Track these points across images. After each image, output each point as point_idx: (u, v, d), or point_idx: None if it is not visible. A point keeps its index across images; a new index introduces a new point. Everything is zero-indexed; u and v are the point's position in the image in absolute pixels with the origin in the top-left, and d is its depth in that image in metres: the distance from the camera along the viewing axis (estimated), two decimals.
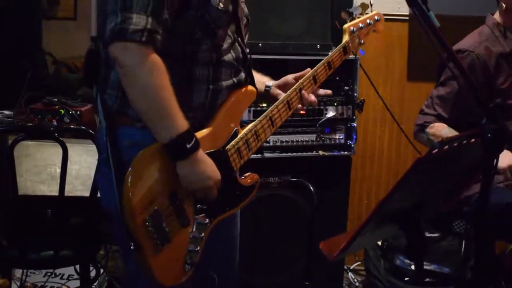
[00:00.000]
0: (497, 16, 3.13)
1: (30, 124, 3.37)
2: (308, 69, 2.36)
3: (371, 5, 2.53)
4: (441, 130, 3.02)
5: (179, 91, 1.96)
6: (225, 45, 2.11)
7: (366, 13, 2.55)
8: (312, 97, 2.34)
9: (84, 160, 3.18)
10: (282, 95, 2.32)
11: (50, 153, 3.17)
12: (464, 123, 2.95)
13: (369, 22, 2.53)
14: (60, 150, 2.85)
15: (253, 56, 3.13)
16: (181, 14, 1.99)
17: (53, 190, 3.07)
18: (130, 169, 1.93)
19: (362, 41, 2.52)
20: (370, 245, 3.65)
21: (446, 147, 1.62)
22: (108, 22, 1.90)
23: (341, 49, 2.44)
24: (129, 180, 1.92)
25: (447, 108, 3.04)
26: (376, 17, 2.56)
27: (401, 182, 1.60)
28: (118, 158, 2.01)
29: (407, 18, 4.13)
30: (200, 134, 2.05)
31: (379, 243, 3.85)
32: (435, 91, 3.13)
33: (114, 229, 2.16)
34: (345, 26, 2.48)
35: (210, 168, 2.03)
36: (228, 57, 2.13)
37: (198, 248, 2.08)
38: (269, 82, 2.40)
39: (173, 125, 1.93)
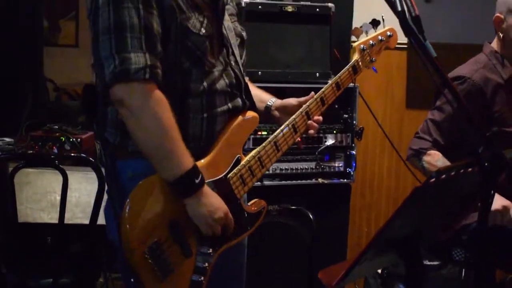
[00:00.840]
0: (494, 44, 3.16)
1: (31, 151, 3.38)
2: (312, 93, 2.28)
3: (383, 20, 2.45)
4: (436, 160, 3.01)
5: (176, 123, 1.95)
6: (216, 72, 2.09)
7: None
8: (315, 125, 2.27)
9: (84, 188, 3.19)
10: (282, 118, 2.27)
11: (50, 180, 3.17)
12: (461, 149, 2.96)
13: (381, 39, 2.44)
14: (60, 178, 2.85)
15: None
16: (166, 46, 1.98)
17: (53, 218, 3.07)
18: (127, 201, 1.92)
19: (374, 59, 2.43)
20: (369, 273, 3.63)
21: (444, 176, 1.63)
22: (105, 66, 1.89)
23: (350, 68, 2.35)
24: (127, 212, 1.91)
25: (443, 134, 3.04)
26: (388, 33, 2.46)
27: (399, 210, 1.61)
28: (120, 190, 2.00)
29: (406, 46, 4.16)
30: (201, 163, 2.04)
31: (379, 271, 3.83)
32: (430, 114, 3.13)
33: (118, 262, 2.13)
34: (355, 44, 2.41)
35: (218, 200, 2.02)
36: (221, 84, 2.10)
37: (202, 278, 2.04)
38: (270, 100, 2.34)
39: (180, 163, 1.93)
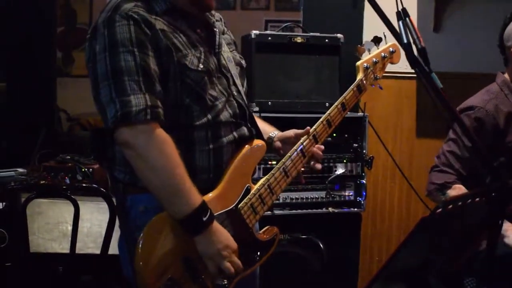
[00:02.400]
0: (507, 74, 3.16)
1: (43, 181, 3.41)
2: (308, 127, 2.28)
3: (385, 37, 2.40)
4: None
5: (182, 157, 1.97)
6: (219, 105, 2.10)
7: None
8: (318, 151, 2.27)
9: (95, 218, 3.20)
10: (282, 149, 2.28)
11: (62, 210, 3.19)
12: (482, 178, 2.92)
13: (384, 56, 2.44)
14: (71, 208, 2.87)
15: (262, 114, 3.19)
16: (166, 85, 2.00)
17: (65, 248, 3.08)
18: (141, 236, 1.93)
19: (378, 76, 2.42)
20: None
21: (451, 206, 1.63)
22: (108, 111, 1.93)
23: (355, 88, 2.35)
24: (140, 249, 1.92)
25: (464, 165, 3.01)
26: (391, 49, 2.46)
27: (406, 241, 1.61)
28: (132, 225, 2.02)
29: (415, 75, 4.17)
30: (210, 196, 2.04)
31: None
32: (447, 146, 3.11)
33: None
34: (358, 63, 2.40)
35: (227, 237, 2.02)
36: (225, 115, 2.11)
37: None
38: (273, 132, 2.35)
39: (188, 201, 1.94)
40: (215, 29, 2.19)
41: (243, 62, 2.33)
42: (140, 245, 1.92)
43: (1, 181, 3.48)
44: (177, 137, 1.99)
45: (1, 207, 3.25)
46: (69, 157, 3.63)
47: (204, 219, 1.95)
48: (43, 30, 5.21)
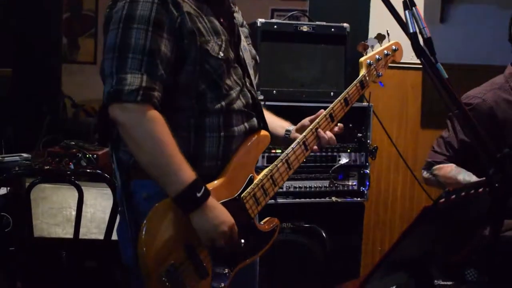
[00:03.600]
0: None
1: (47, 167, 3.42)
2: (322, 110, 2.30)
3: (388, 34, 2.43)
4: (449, 171, 3.02)
5: (192, 142, 2.00)
6: (233, 94, 2.11)
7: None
8: (329, 134, 2.28)
9: (99, 204, 3.21)
10: None
11: (66, 196, 3.20)
12: (476, 165, 2.94)
13: (387, 53, 2.45)
14: (75, 193, 2.88)
15: (267, 103, 3.19)
16: (180, 69, 2.01)
17: (68, 233, 3.10)
18: (144, 223, 1.93)
19: (380, 73, 2.44)
20: None
21: (454, 196, 1.63)
22: (105, 85, 1.95)
23: (358, 83, 2.37)
24: (143, 235, 1.92)
25: (456, 154, 3.05)
26: (393, 47, 2.48)
27: (408, 230, 1.61)
28: (135, 211, 2.02)
29: (421, 66, 4.16)
30: (214, 184, 2.05)
31: None
32: (444, 132, 3.15)
33: (132, 281, 2.14)
34: (361, 59, 2.41)
35: (223, 213, 2.01)
36: (238, 104, 2.12)
37: None
38: (289, 126, 2.37)
39: (179, 178, 1.94)
40: (235, 20, 2.20)
41: (257, 56, 2.34)
42: (144, 231, 1.92)
43: (6, 166, 3.49)
44: (187, 122, 2.01)
45: (5, 192, 3.27)
46: (73, 143, 3.63)
47: (198, 195, 1.95)
48: (49, 17, 5.22)
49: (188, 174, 1.95)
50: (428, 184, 3.21)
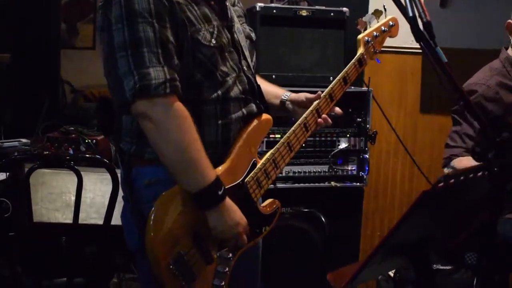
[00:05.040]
0: (510, 50, 3.15)
1: (46, 152, 3.42)
2: (319, 92, 2.30)
3: (385, 10, 2.43)
4: (465, 164, 3.00)
5: None
6: (230, 81, 2.09)
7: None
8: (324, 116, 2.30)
9: (98, 189, 3.22)
10: (295, 111, 2.31)
11: (65, 181, 3.20)
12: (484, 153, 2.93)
13: (384, 29, 2.45)
14: (75, 178, 2.88)
15: None
16: (179, 60, 1.98)
17: (68, 218, 3.10)
18: (152, 210, 1.93)
19: (377, 50, 2.44)
20: (378, 276, 3.64)
21: (452, 180, 1.63)
22: (125, 83, 1.90)
23: (356, 62, 2.37)
24: (151, 225, 1.92)
25: (467, 143, 3.03)
26: (390, 23, 2.47)
27: (407, 215, 1.61)
28: (137, 198, 2.02)
29: (420, 51, 4.14)
30: (218, 170, 2.05)
31: (392, 274, 3.84)
32: (453, 127, 3.13)
33: (137, 268, 2.15)
34: (359, 37, 2.41)
35: (238, 214, 2.03)
36: (235, 91, 2.11)
37: (223, 283, 2.07)
38: (285, 95, 2.37)
39: (204, 175, 1.94)
40: (226, 1, 2.18)
41: (252, 35, 2.32)
42: (152, 220, 1.92)
43: (5, 151, 3.50)
44: None
45: (5, 177, 3.27)
46: (72, 128, 3.63)
47: (220, 193, 1.96)
48: (48, 2, 5.19)
49: (212, 171, 1.97)
50: None
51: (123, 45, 1.91)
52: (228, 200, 2.00)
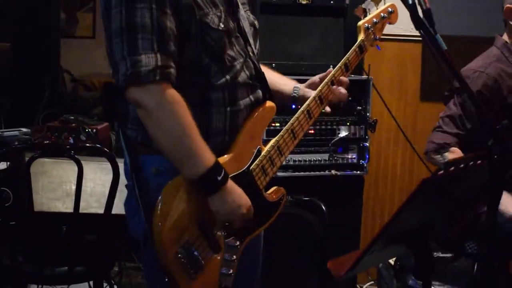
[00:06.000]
0: (505, 37, 3.14)
1: (47, 141, 3.42)
2: (331, 68, 2.31)
3: None
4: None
5: (198, 118, 1.96)
6: (237, 66, 2.09)
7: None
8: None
9: (99, 178, 3.22)
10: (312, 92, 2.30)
11: (65, 170, 3.21)
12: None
13: (383, 16, 2.45)
14: (75, 168, 2.89)
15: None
16: (183, 46, 1.97)
17: (68, 207, 3.11)
18: (159, 199, 1.93)
19: (377, 37, 2.44)
20: (378, 264, 3.64)
21: (452, 168, 1.63)
22: (119, 69, 1.90)
23: (356, 48, 2.37)
24: (158, 214, 1.92)
25: (464, 127, 3.03)
26: (389, 9, 2.47)
27: (407, 203, 1.61)
28: (144, 187, 2.00)
29: (420, 38, 4.14)
30: (224, 158, 2.05)
31: (392, 262, 3.84)
32: (447, 109, 3.12)
33: (142, 257, 2.15)
34: (360, 23, 2.41)
35: (241, 196, 2.03)
36: (242, 77, 2.10)
37: (231, 271, 2.07)
38: (297, 85, 2.38)
39: (202, 160, 1.93)
40: None
41: (256, 22, 2.30)
42: (159, 210, 1.92)
43: (5, 141, 3.50)
44: (192, 98, 1.98)
45: (5, 167, 3.27)
46: (73, 118, 3.63)
47: (219, 178, 1.95)
48: None
49: (209, 156, 1.95)
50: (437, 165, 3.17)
51: (120, 30, 1.91)
52: (230, 184, 1.99)
